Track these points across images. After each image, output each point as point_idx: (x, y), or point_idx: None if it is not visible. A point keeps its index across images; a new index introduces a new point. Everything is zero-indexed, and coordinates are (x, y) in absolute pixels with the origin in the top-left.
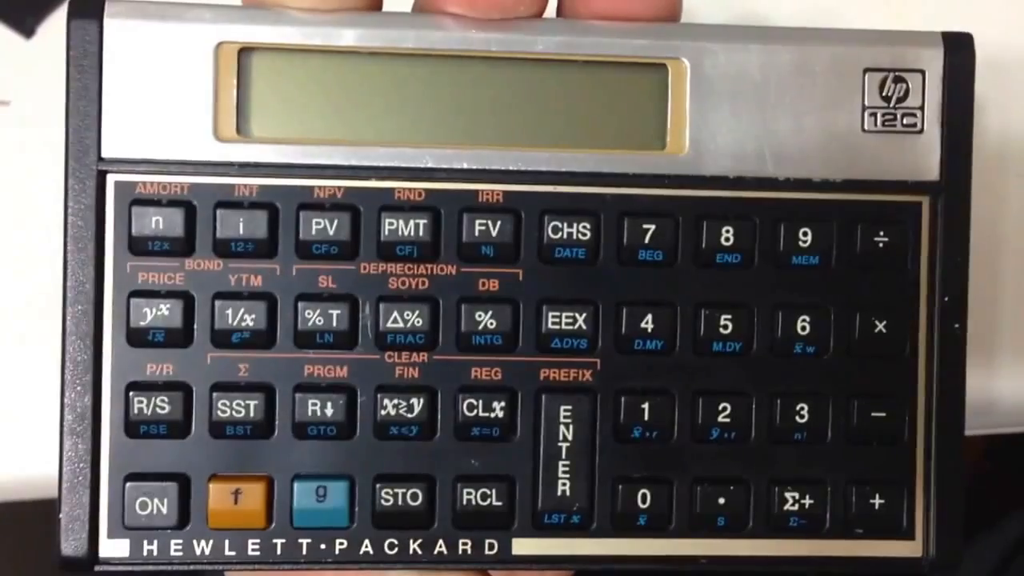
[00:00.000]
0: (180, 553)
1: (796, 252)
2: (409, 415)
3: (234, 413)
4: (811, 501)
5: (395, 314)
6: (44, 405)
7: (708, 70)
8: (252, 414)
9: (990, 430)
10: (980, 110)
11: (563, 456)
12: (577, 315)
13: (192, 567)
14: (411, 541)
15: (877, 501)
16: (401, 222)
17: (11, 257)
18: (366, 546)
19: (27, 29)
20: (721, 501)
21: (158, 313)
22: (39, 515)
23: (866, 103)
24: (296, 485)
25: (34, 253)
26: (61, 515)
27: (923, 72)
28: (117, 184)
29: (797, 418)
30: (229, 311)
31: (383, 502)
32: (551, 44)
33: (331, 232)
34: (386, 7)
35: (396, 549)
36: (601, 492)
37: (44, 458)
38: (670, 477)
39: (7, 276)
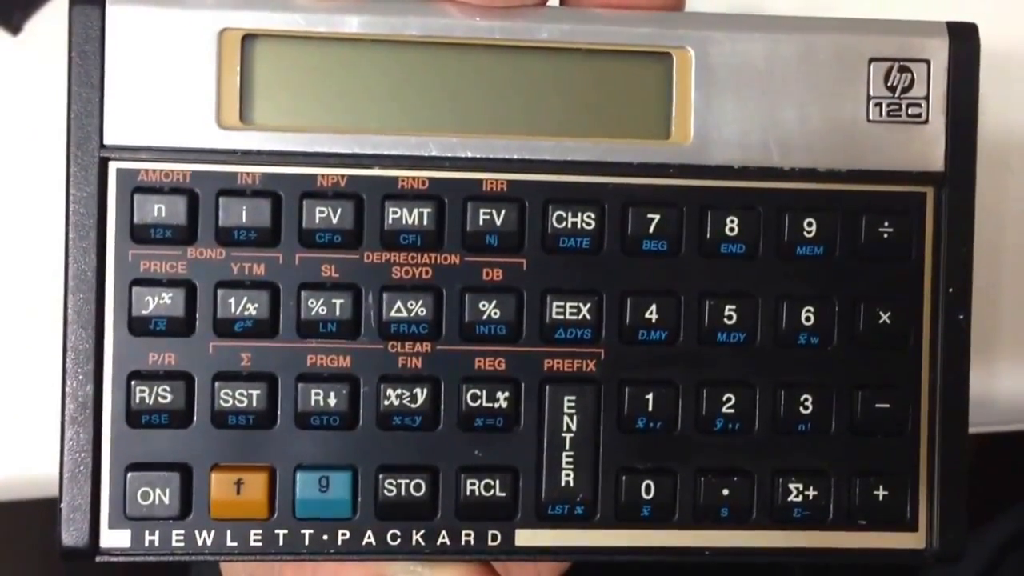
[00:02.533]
0: (182, 544)
1: (800, 242)
2: (412, 405)
3: (236, 403)
4: (815, 492)
5: (398, 304)
6: (45, 404)
7: (713, 59)
8: (254, 404)
9: (987, 428)
10: (980, 102)
11: (567, 447)
12: (581, 305)
13: (194, 558)
14: (414, 532)
15: (881, 492)
16: (405, 211)
17: (3, 256)
18: (369, 537)
19: (14, 26)
20: (725, 492)
21: (160, 302)
22: (39, 514)
23: (871, 93)
24: (299, 475)
25: (28, 250)
26: (62, 505)
27: (928, 62)
28: (119, 172)
29: (801, 409)
30: (232, 300)
31: (386, 493)
32: (555, 32)
33: (334, 221)
34: None
35: (399, 540)
36: (605, 483)
37: (44, 457)
38: (674, 468)
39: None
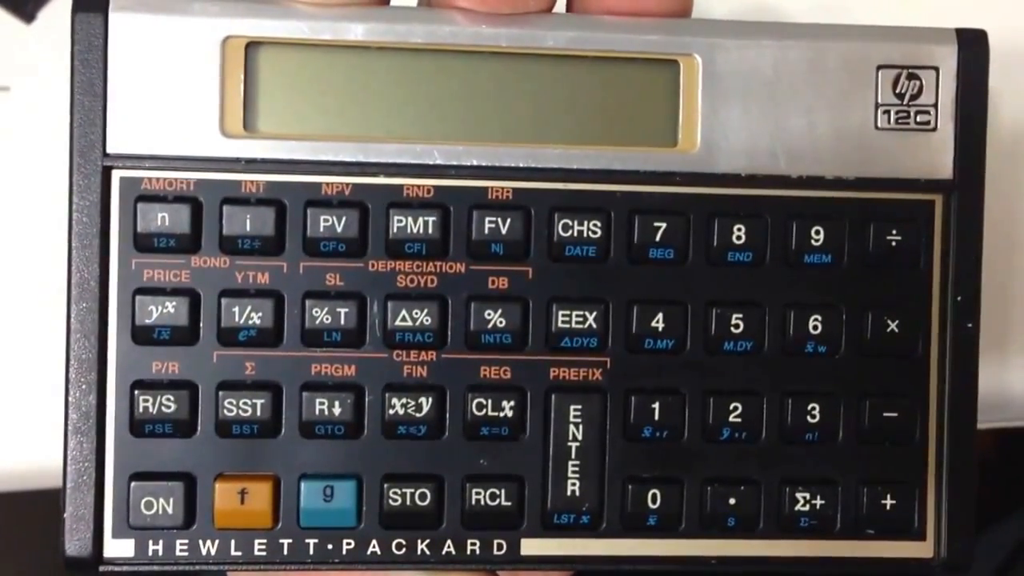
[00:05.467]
0: (186, 553)
1: (808, 251)
2: (417, 414)
3: (240, 412)
4: (822, 501)
5: (403, 312)
6: (45, 396)
7: (720, 66)
8: (259, 413)
9: (1002, 423)
10: (993, 103)
11: (573, 456)
12: (587, 314)
13: (198, 567)
14: (419, 541)
15: (888, 501)
16: (410, 219)
17: (12, 244)
18: (373, 546)
19: (27, 14)
20: (732, 501)
21: (164, 311)
22: (41, 505)
23: (879, 100)
24: (303, 485)
25: (36, 241)
26: (65, 515)
27: (937, 69)
28: (122, 180)
29: (809, 418)
30: (236, 309)
31: (391, 502)
32: (561, 40)
33: (339, 229)
34: (394, 1)
35: (404, 549)
36: (611, 492)
37: (45, 448)
38: (680, 477)
39: (7, 265)
